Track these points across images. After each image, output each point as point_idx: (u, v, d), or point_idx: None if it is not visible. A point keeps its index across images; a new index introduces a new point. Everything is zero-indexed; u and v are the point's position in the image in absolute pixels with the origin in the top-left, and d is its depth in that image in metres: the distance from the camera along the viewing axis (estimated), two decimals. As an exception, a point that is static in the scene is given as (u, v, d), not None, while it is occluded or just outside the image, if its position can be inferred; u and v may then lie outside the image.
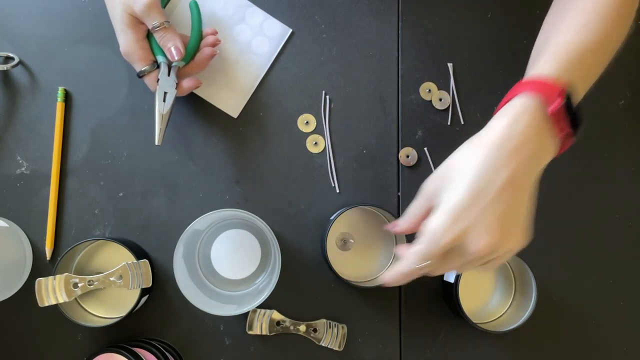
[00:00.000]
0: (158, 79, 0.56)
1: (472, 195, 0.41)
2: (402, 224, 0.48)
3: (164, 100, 0.56)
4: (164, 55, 0.56)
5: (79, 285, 0.54)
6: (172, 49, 0.55)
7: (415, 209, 0.47)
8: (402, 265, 0.44)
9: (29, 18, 0.61)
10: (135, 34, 0.55)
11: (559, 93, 0.42)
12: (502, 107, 0.45)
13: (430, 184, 0.45)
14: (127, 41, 0.55)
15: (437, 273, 0.45)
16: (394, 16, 0.64)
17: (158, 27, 0.54)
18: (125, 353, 0.51)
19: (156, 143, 0.55)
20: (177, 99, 0.57)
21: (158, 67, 0.56)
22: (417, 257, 0.43)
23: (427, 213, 0.44)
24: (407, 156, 0.62)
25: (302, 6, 0.63)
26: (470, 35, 0.64)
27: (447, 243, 0.41)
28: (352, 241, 0.60)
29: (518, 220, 0.42)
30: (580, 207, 0.63)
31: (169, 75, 0.56)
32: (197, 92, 0.61)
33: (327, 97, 0.62)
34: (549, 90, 0.42)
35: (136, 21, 0.54)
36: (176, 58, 0.55)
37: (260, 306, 0.54)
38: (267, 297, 0.52)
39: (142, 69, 0.55)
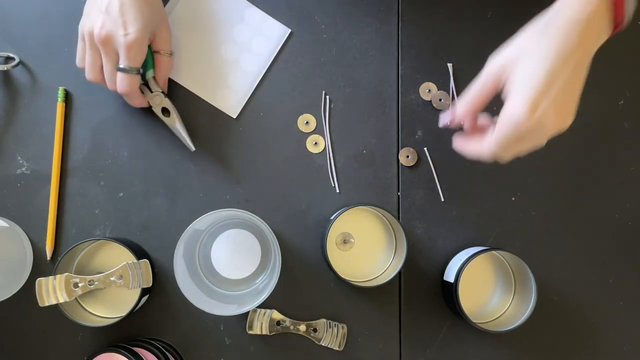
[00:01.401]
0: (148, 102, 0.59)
1: (550, 80, 0.42)
2: (462, 108, 0.48)
3: (168, 115, 0.59)
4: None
5: (80, 285, 0.54)
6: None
7: (479, 91, 0.47)
8: (482, 148, 0.47)
9: (29, 18, 0.61)
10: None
11: None
12: None
13: (496, 66, 0.46)
14: (142, 39, 0.54)
15: (508, 157, 0.47)
16: (394, 16, 0.64)
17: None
18: (126, 353, 0.51)
19: (192, 150, 0.59)
20: (177, 99, 0.57)
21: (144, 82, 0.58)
22: (498, 143, 0.45)
23: (490, 95, 0.46)
24: (407, 156, 0.62)
25: (302, 6, 0.63)
26: (470, 35, 0.64)
27: (529, 127, 0.43)
28: (352, 241, 0.60)
29: (575, 100, 0.45)
30: (580, 207, 0.63)
31: (151, 91, 0.59)
32: (197, 92, 0.61)
33: (327, 97, 0.62)
34: None
35: None
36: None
37: (260, 306, 0.54)
38: (267, 297, 0.52)
39: (128, 67, 0.54)
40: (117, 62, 0.54)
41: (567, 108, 0.44)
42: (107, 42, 0.52)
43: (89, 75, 0.55)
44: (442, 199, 0.62)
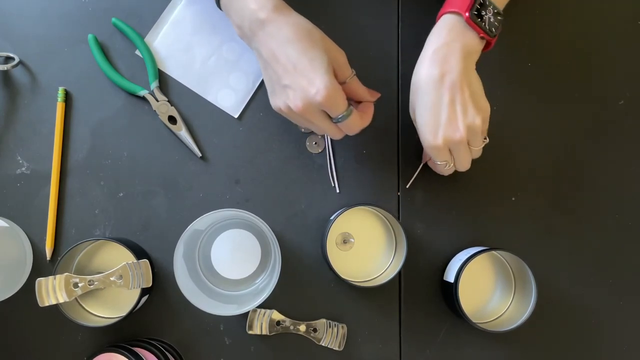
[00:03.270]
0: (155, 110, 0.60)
1: (432, 112, 0.51)
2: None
3: (175, 123, 0.60)
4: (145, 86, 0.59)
5: (79, 285, 0.54)
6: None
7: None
8: (439, 169, 0.58)
9: (29, 18, 0.61)
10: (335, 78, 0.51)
11: (469, 4, 0.51)
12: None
13: (410, 103, 0.54)
14: (333, 83, 0.49)
15: (459, 165, 0.55)
16: (394, 16, 0.64)
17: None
18: (126, 353, 0.51)
19: (199, 155, 0.60)
20: (176, 101, 0.57)
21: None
22: (438, 164, 0.55)
23: None
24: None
25: (302, 6, 0.63)
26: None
27: (441, 150, 0.52)
28: (352, 241, 0.60)
29: (478, 97, 0.51)
30: (580, 207, 0.63)
31: (157, 100, 0.60)
32: (198, 91, 0.61)
33: (327, 97, 0.62)
34: (461, 4, 0.51)
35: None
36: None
37: (260, 306, 0.54)
38: (267, 297, 0.52)
39: (342, 115, 0.51)
40: (329, 117, 0.51)
41: (475, 105, 0.51)
42: (308, 110, 0.50)
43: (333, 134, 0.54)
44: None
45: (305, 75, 0.49)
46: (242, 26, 0.52)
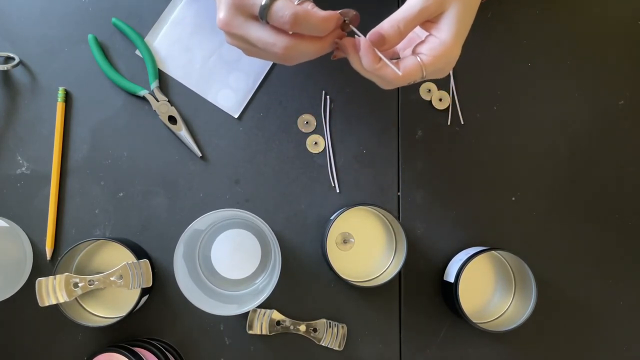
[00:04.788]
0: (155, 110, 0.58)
1: (471, 22, 0.47)
2: (401, 27, 0.45)
3: (175, 123, 0.60)
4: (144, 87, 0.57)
5: (80, 285, 0.54)
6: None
7: (416, 17, 0.45)
8: (399, 73, 0.46)
9: (30, 18, 0.61)
10: None
11: None
12: None
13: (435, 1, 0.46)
14: None
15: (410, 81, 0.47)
16: (394, 16, 0.64)
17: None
18: (126, 353, 0.51)
19: (199, 155, 0.60)
20: (176, 101, 0.57)
21: None
22: (429, 72, 0.46)
23: (420, 23, 0.46)
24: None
25: (302, 6, 0.63)
26: (470, 35, 0.64)
27: (452, 62, 0.47)
28: (352, 241, 0.60)
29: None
30: (580, 207, 0.63)
31: (157, 100, 0.59)
32: (198, 91, 0.61)
33: (327, 97, 0.62)
34: None
35: None
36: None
37: (260, 306, 0.54)
38: (267, 297, 0.52)
39: (262, 3, 0.42)
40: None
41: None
42: (227, 20, 0.44)
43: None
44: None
45: None
46: None
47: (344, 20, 0.45)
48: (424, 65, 0.45)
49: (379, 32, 0.44)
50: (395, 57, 0.49)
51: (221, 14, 0.44)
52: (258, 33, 0.44)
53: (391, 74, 0.45)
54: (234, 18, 0.44)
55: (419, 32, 0.48)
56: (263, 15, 0.42)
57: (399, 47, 0.51)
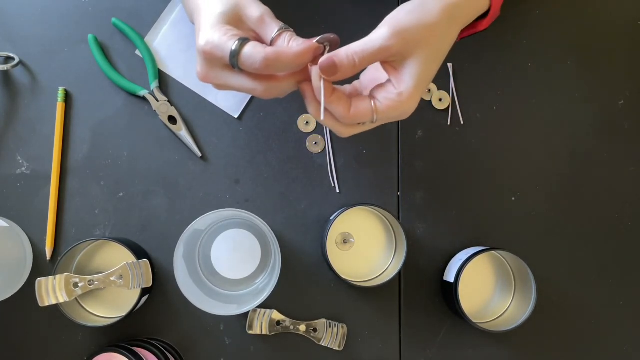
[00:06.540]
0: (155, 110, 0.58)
1: (434, 74, 0.46)
2: (357, 61, 0.42)
3: (175, 123, 0.60)
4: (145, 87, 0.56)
5: (80, 285, 0.54)
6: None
7: (376, 54, 0.42)
8: (350, 116, 0.44)
9: (30, 18, 0.61)
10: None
11: None
12: None
13: (399, 42, 0.42)
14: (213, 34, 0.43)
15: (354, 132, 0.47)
16: (394, 16, 0.64)
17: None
18: (126, 353, 0.51)
19: (199, 155, 0.60)
20: (176, 101, 0.57)
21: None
22: (381, 119, 0.45)
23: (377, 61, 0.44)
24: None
25: (302, 6, 0.63)
26: (470, 35, 0.64)
27: (408, 113, 0.45)
28: (352, 241, 0.60)
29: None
30: (580, 207, 0.63)
31: (157, 100, 0.59)
32: (198, 91, 0.61)
33: (327, 97, 0.62)
34: None
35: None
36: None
37: (260, 306, 0.54)
38: (267, 297, 0.52)
39: (231, 50, 0.42)
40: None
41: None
42: (205, 68, 0.45)
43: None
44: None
45: (198, 31, 0.43)
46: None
47: (324, 48, 0.43)
48: (376, 111, 0.43)
49: (332, 60, 0.41)
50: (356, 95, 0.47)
51: (198, 67, 0.45)
52: (235, 81, 0.44)
53: (342, 110, 0.43)
54: (209, 71, 0.44)
55: (383, 73, 0.45)
56: (234, 64, 0.42)
57: (363, 84, 0.49)
